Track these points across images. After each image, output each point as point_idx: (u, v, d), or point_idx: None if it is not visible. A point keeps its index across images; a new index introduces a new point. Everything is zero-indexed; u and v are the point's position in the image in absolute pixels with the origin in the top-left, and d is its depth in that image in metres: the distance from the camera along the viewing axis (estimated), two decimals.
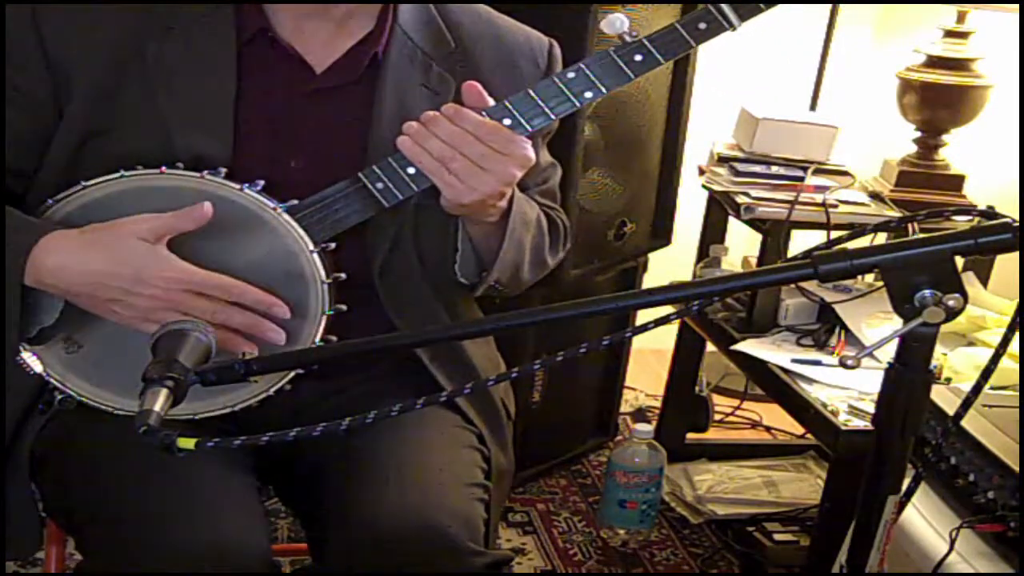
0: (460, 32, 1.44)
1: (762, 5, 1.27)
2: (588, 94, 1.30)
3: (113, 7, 1.33)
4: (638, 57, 1.29)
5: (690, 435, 2.71)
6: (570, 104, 1.30)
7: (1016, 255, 0.99)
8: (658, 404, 2.85)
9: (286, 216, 1.29)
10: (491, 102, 1.29)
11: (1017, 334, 1.06)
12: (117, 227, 1.25)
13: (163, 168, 1.28)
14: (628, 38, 1.28)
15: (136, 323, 1.25)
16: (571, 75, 1.30)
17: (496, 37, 1.47)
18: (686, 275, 2.69)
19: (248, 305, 1.27)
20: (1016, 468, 1.50)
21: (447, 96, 1.38)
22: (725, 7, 1.26)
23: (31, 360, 1.30)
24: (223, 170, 1.29)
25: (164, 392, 0.98)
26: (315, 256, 1.29)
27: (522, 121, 1.29)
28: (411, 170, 1.29)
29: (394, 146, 1.29)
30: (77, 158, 1.33)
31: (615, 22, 1.27)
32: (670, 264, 2.72)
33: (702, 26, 1.27)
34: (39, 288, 1.25)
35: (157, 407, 0.96)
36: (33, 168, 1.34)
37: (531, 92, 1.29)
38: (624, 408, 2.93)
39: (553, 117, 1.30)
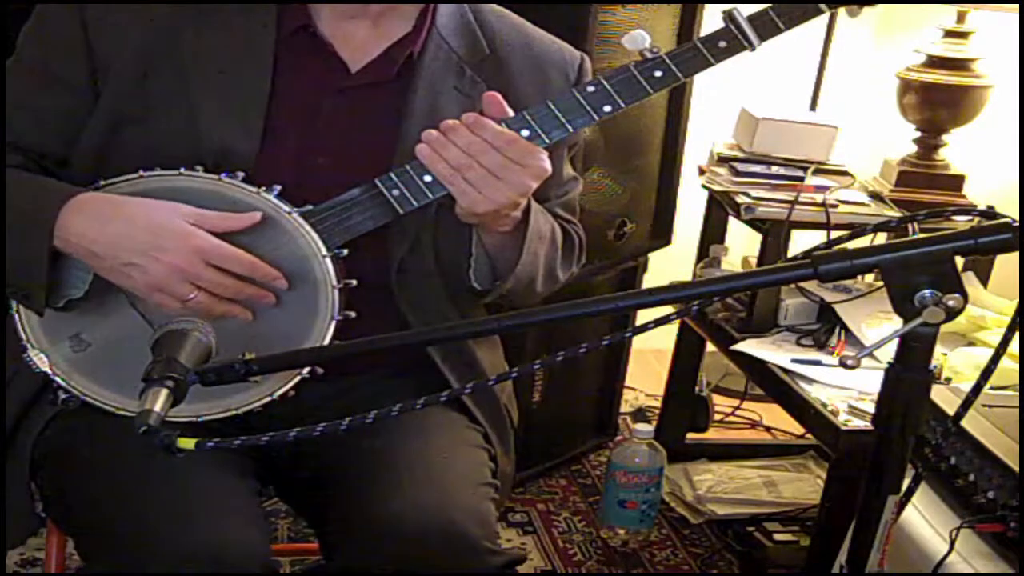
0: (494, 39, 1.45)
1: (780, 25, 1.28)
2: (607, 108, 1.30)
3: None
4: (658, 73, 1.29)
5: (690, 435, 2.71)
6: (589, 118, 1.30)
7: (1016, 255, 0.99)
8: (658, 404, 2.85)
9: (300, 220, 1.29)
10: (511, 112, 1.29)
11: (1017, 334, 1.06)
12: (151, 202, 1.26)
13: (181, 169, 1.28)
14: (648, 54, 1.29)
15: (150, 292, 1.25)
16: (591, 89, 1.30)
17: (529, 47, 1.47)
18: (686, 275, 2.68)
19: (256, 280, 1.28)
20: (1016, 468, 1.50)
21: (478, 100, 1.38)
22: (745, 26, 1.27)
23: (37, 358, 1.30)
24: (240, 173, 1.29)
25: (164, 392, 0.98)
26: (327, 261, 1.29)
27: (540, 133, 1.29)
28: (427, 178, 1.29)
29: None
30: (108, 145, 1.34)
31: (636, 38, 1.28)
32: (670, 264, 2.72)
33: (722, 44, 1.28)
34: (62, 248, 1.25)
35: (157, 407, 0.96)
36: (65, 153, 1.35)
37: (550, 104, 1.30)
38: (624, 408, 2.93)
39: (571, 130, 1.30)
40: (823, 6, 1.28)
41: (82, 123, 1.34)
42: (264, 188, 1.29)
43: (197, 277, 1.24)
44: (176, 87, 1.33)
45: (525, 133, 1.28)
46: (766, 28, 1.28)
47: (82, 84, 1.34)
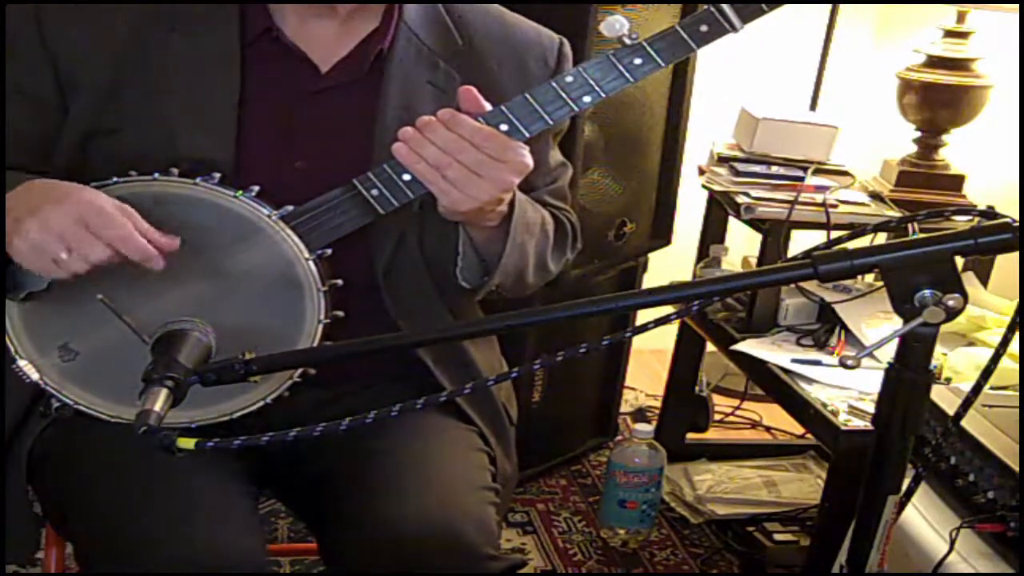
0: (468, 29, 1.43)
1: (764, 7, 1.24)
2: (587, 98, 1.27)
3: (116, 5, 1.33)
4: (637, 60, 1.25)
5: (690, 435, 2.71)
6: (568, 109, 1.27)
7: (1016, 255, 0.99)
8: (658, 404, 2.85)
9: (281, 223, 1.27)
10: (488, 107, 1.26)
11: (1017, 334, 1.06)
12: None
13: (155, 174, 1.26)
14: (628, 41, 1.25)
15: (36, 254, 1.18)
16: (569, 79, 1.27)
17: (505, 35, 1.45)
18: (686, 275, 2.68)
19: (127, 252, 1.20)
20: (1016, 468, 1.50)
21: (454, 94, 1.36)
22: (727, 8, 1.23)
23: (27, 368, 1.28)
24: (217, 175, 1.27)
25: (164, 392, 0.98)
26: (311, 264, 1.28)
27: (520, 127, 1.26)
28: (407, 176, 1.27)
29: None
30: (82, 158, 1.32)
31: (614, 24, 1.23)
32: (670, 264, 2.72)
33: (703, 28, 1.24)
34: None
35: (157, 407, 0.96)
36: (39, 168, 1.32)
37: (528, 97, 1.27)
38: (624, 408, 2.93)
39: (551, 122, 1.27)
40: None
41: (53, 137, 1.32)
42: (242, 191, 1.26)
43: (69, 239, 1.17)
44: (146, 99, 1.31)
45: (504, 127, 1.26)
46: (748, 10, 1.23)
47: (49, 98, 1.32)
